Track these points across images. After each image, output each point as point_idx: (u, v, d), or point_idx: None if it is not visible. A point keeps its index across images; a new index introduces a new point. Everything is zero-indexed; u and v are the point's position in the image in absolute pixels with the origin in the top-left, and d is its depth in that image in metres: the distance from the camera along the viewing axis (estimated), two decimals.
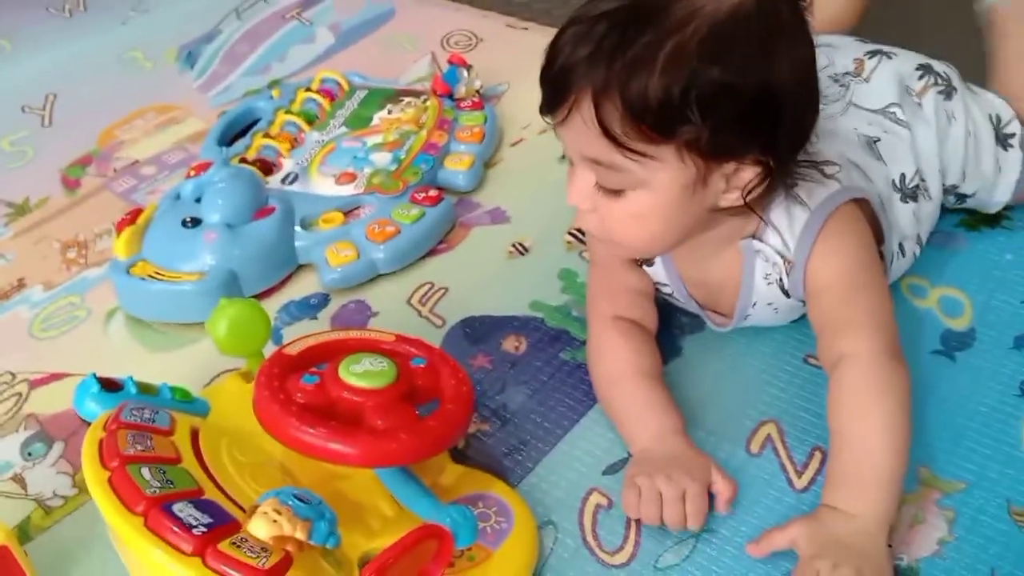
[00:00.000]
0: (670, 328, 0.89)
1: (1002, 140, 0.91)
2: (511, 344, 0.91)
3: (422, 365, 0.75)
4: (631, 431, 0.78)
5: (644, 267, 0.84)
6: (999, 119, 0.91)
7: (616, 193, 0.71)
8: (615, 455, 0.79)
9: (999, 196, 0.93)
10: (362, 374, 0.70)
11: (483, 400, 0.85)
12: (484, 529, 0.71)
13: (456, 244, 1.04)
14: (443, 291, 0.98)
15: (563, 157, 0.77)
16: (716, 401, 0.82)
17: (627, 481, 0.74)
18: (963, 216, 0.95)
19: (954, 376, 0.82)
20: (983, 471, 0.74)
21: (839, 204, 0.76)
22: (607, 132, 0.67)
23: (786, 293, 0.79)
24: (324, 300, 0.98)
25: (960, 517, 0.71)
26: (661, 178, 0.68)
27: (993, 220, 0.95)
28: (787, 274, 0.77)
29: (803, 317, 0.83)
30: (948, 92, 0.89)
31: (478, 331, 0.93)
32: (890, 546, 0.68)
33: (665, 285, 0.85)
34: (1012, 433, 0.77)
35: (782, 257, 0.76)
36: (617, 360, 0.81)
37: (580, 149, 0.70)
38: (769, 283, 0.79)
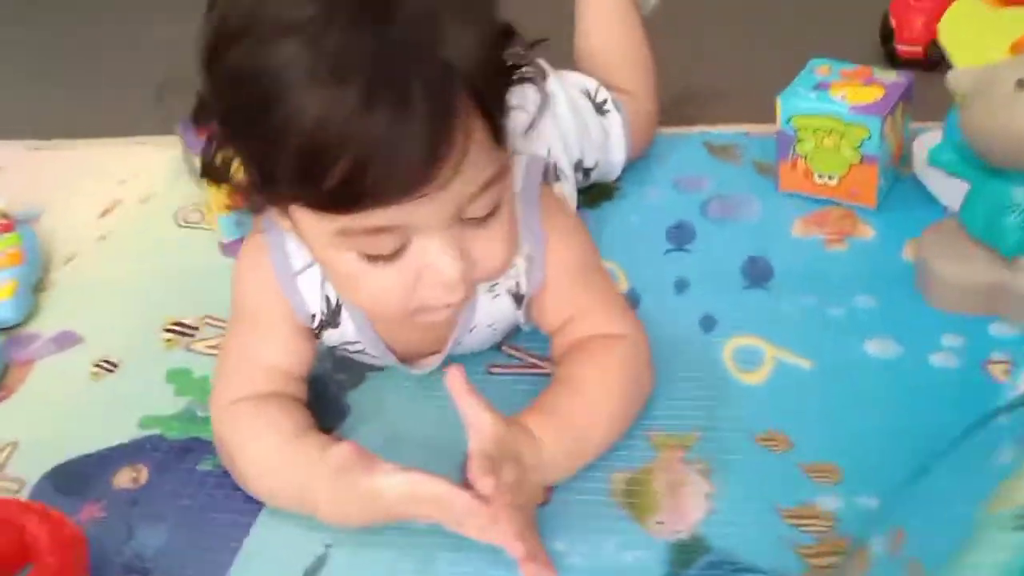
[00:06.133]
0: (327, 392, 0.73)
1: (599, 108, 0.91)
2: (126, 478, 0.68)
3: None
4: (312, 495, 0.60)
5: (325, 330, 0.67)
6: (588, 90, 0.91)
7: (491, 216, 0.57)
8: (312, 551, 0.60)
9: (615, 156, 0.91)
10: None
11: (105, 559, 0.61)
12: None
13: (16, 388, 0.78)
14: (11, 448, 0.72)
15: None
16: (406, 443, 0.67)
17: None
18: (582, 198, 0.91)
19: None
20: (711, 413, 0.67)
21: (538, 178, 0.68)
22: (496, 131, 0.53)
23: (518, 300, 0.67)
24: None
25: (714, 464, 0.63)
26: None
27: (608, 194, 0.92)
28: (525, 274, 0.66)
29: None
30: (542, 74, 0.87)
31: (75, 479, 0.68)
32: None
33: (354, 343, 0.69)
34: (716, 367, 0.70)
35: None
36: (257, 437, 0.63)
37: (463, 191, 0.53)
38: (496, 295, 0.67)
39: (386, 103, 0.47)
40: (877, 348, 0.71)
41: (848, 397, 0.67)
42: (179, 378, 0.76)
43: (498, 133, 0.54)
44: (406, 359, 0.71)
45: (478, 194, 0.54)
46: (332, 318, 0.67)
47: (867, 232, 0.83)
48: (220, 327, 0.80)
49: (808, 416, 0.65)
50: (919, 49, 1.05)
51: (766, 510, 0.59)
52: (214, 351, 0.77)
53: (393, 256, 0.55)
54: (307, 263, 0.65)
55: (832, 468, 0.61)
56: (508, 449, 0.57)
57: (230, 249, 0.88)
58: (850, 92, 0.85)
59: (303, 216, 0.55)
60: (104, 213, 0.98)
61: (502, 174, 0.56)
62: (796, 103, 0.86)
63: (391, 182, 0.50)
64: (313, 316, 0.66)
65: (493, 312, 0.68)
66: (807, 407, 0.66)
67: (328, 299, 0.66)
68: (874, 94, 0.85)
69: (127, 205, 0.99)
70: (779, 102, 0.86)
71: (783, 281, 0.79)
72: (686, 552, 0.56)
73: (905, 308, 0.74)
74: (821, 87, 0.86)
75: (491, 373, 0.73)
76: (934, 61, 1.01)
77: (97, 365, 0.79)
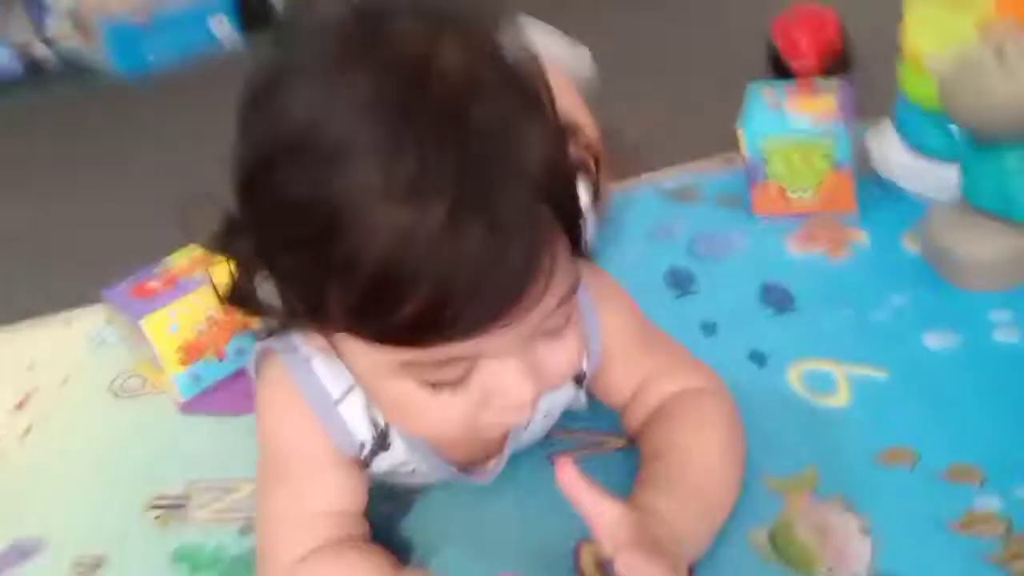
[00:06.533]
0: (376, 527, 0.62)
1: None
2: None
3: None
4: None
5: (376, 456, 0.58)
6: None
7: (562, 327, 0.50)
8: None
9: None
10: None
11: None
12: None
13: None
14: None
15: None
16: (493, 558, 0.58)
17: None
18: None
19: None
20: (815, 445, 0.61)
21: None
22: (576, 241, 0.48)
23: (578, 382, 0.61)
24: None
25: (851, 496, 0.57)
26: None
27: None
28: (585, 353, 0.58)
29: None
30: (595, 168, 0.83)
31: None
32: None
33: (405, 464, 0.60)
34: (792, 399, 0.66)
35: None
36: None
37: (543, 310, 0.47)
38: None
39: (475, 225, 0.41)
40: (937, 342, 0.68)
41: (938, 396, 0.63)
42: (190, 557, 0.64)
43: (577, 243, 0.48)
44: (462, 469, 0.62)
45: (555, 309, 0.48)
46: (382, 442, 0.58)
47: (860, 236, 0.81)
48: (214, 488, 0.69)
49: (916, 424, 0.61)
50: (813, 62, 1.09)
51: (935, 529, 0.53)
52: (221, 515, 0.66)
53: (458, 382, 0.48)
54: (347, 387, 0.56)
55: (971, 469, 0.57)
56: (644, 535, 0.49)
57: (194, 406, 0.80)
58: (806, 107, 0.85)
59: (352, 345, 0.48)
60: (20, 405, 0.84)
61: (577, 284, 0.50)
62: (760, 128, 0.84)
63: (479, 312, 0.43)
64: (362, 445, 0.57)
65: (550, 401, 0.61)
66: (908, 416, 0.62)
67: (375, 423, 0.57)
68: (829, 103, 0.85)
69: (45, 391, 0.85)
70: (742, 131, 0.85)
71: (808, 301, 0.75)
72: None
73: (939, 297, 0.72)
74: (776, 108, 0.86)
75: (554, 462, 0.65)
76: (832, 69, 1.04)
77: (77, 566, 0.65)
